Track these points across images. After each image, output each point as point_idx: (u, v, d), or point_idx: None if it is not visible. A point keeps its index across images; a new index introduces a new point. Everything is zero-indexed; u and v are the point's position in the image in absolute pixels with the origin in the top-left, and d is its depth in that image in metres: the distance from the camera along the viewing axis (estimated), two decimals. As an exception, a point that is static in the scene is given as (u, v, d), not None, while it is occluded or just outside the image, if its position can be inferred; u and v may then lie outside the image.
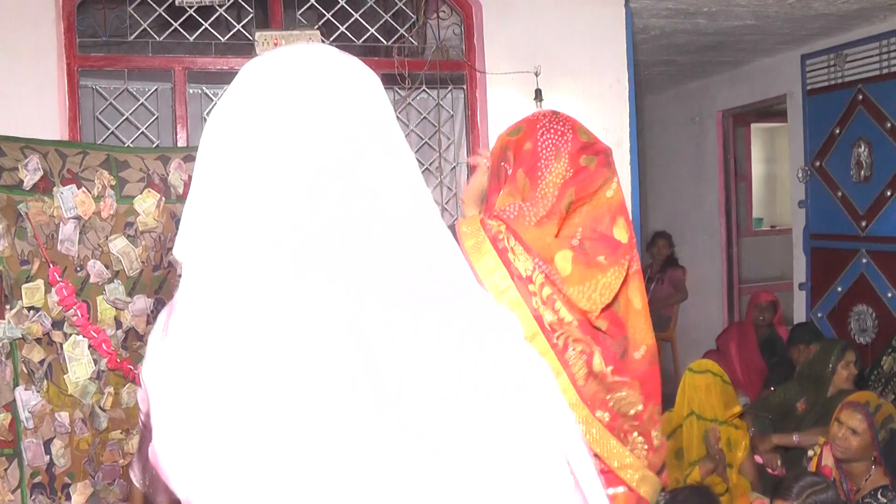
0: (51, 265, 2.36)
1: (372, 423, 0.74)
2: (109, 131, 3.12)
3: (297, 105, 0.77)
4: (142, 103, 3.18)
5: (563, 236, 1.46)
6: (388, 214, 0.76)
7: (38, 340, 2.36)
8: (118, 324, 2.47)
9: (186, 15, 3.10)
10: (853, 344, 4.31)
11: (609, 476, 1.44)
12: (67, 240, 2.39)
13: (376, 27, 3.38)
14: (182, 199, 2.54)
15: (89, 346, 2.42)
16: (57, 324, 2.38)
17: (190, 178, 2.57)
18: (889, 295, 4.34)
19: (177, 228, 2.54)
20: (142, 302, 2.49)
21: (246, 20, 3.23)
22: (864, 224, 4.48)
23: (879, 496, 2.75)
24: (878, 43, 4.30)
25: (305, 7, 3.27)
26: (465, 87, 3.50)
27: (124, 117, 3.13)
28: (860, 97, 4.43)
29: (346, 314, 0.73)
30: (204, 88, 3.45)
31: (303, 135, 0.76)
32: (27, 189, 2.34)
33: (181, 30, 3.12)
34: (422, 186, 0.80)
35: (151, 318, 2.51)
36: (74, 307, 2.38)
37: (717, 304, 5.86)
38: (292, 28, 3.15)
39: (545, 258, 1.41)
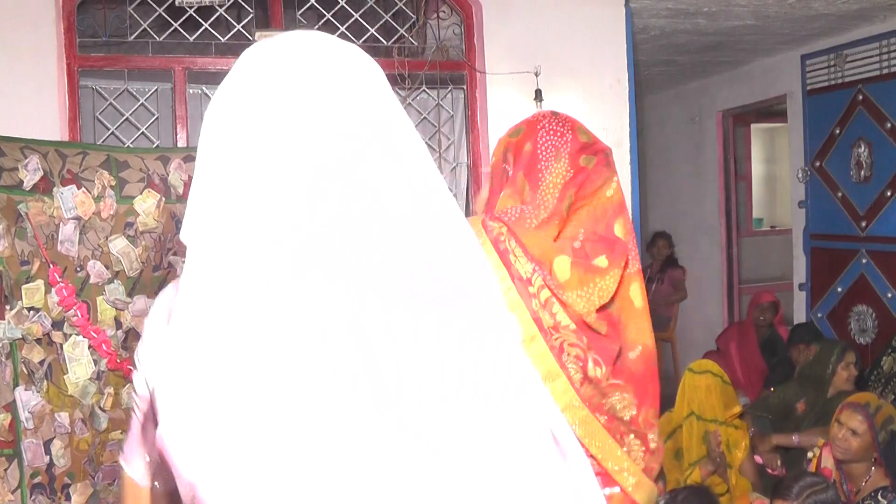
0: (51, 265, 2.36)
1: (372, 423, 0.74)
2: (109, 131, 3.12)
3: (298, 104, 0.77)
4: (142, 103, 3.18)
5: (566, 237, 1.46)
6: (388, 214, 0.75)
7: (38, 341, 2.36)
8: (118, 324, 2.47)
9: (186, 15, 3.10)
10: (853, 344, 4.31)
11: (605, 477, 1.45)
12: (67, 240, 2.39)
13: (376, 27, 3.38)
14: (182, 199, 2.54)
15: (89, 347, 2.42)
16: (57, 324, 2.38)
17: (190, 178, 2.57)
18: (889, 295, 4.34)
19: (177, 229, 2.55)
20: (142, 302, 2.49)
21: (246, 20, 3.23)
22: (864, 224, 4.47)
23: (879, 497, 2.75)
24: (878, 43, 4.30)
25: (305, 7, 3.27)
26: (465, 87, 3.50)
27: (124, 117, 3.13)
28: (860, 97, 4.43)
29: (346, 314, 0.72)
30: (204, 88, 3.46)
31: (303, 134, 0.76)
32: (27, 189, 2.34)
33: (181, 30, 3.12)
34: (426, 182, 0.79)
35: (151, 318, 2.51)
36: (74, 307, 2.38)
37: (716, 305, 5.86)
38: (292, 28, 3.15)
39: (543, 263, 1.42)
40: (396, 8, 3.41)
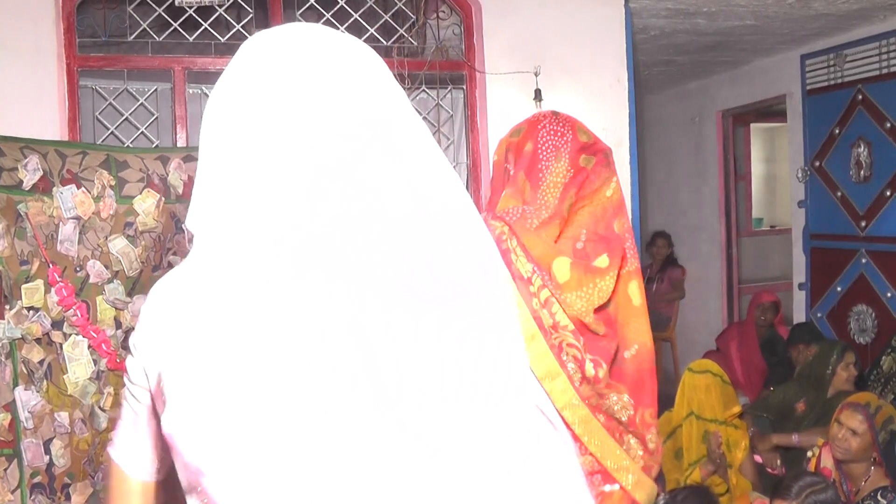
0: (50, 265, 2.35)
1: (372, 422, 0.74)
2: (109, 131, 3.12)
3: (299, 104, 0.77)
4: (141, 103, 3.18)
5: (568, 237, 1.47)
6: (388, 214, 0.75)
7: (38, 340, 2.36)
8: (118, 324, 2.47)
9: (186, 15, 3.10)
10: (853, 344, 4.32)
11: (604, 475, 1.45)
12: (67, 240, 2.39)
13: (376, 27, 3.38)
14: (182, 199, 2.54)
15: (89, 346, 2.42)
16: (57, 324, 2.38)
17: (190, 178, 2.57)
18: (889, 295, 4.34)
19: (177, 228, 2.55)
20: (141, 302, 2.49)
21: (246, 20, 3.22)
22: (863, 224, 4.47)
23: (879, 497, 2.74)
24: (878, 43, 4.30)
25: (305, 7, 3.27)
26: (464, 87, 3.50)
27: (124, 117, 3.13)
28: (860, 97, 4.43)
29: (346, 314, 0.72)
30: (204, 88, 3.45)
31: (303, 135, 0.76)
32: (27, 189, 2.34)
33: (181, 30, 3.12)
34: (428, 181, 0.79)
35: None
36: (74, 307, 2.38)
37: (716, 304, 5.86)
38: (292, 28, 3.15)
39: (542, 264, 1.43)
40: (396, 8, 3.41)
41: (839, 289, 4.68)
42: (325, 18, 3.29)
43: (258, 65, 0.79)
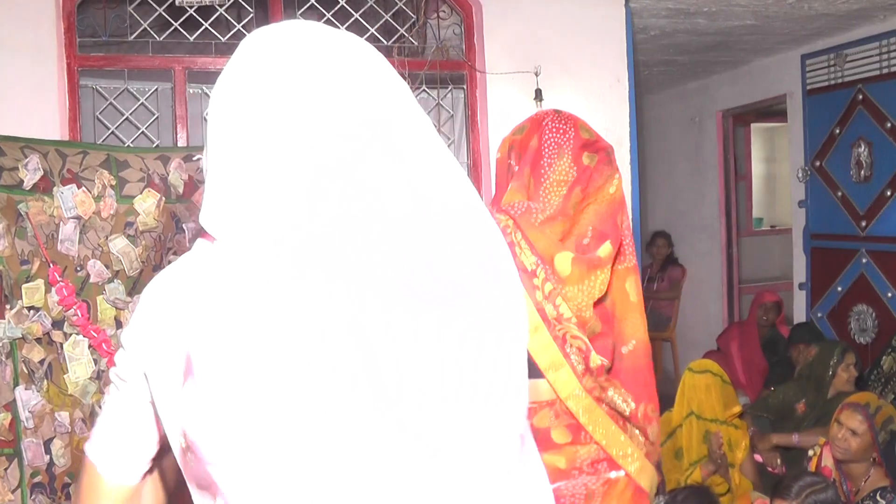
0: (51, 265, 2.36)
1: (372, 422, 0.74)
2: (109, 131, 3.12)
3: (300, 104, 0.77)
4: (142, 103, 3.18)
5: (574, 235, 1.49)
6: (388, 214, 0.75)
7: (38, 340, 2.36)
8: (118, 324, 2.47)
9: (186, 15, 3.10)
10: (853, 344, 4.32)
11: (610, 462, 1.48)
12: (67, 240, 2.39)
13: (376, 27, 3.38)
14: (182, 198, 2.54)
15: (89, 346, 2.42)
16: (57, 324, 2.38)
17: (190, 177, 2.57)
18: (889, 295, 4.34)
19: (177, 228, 2.55)
20: (142, 302, 2.49)
21: (246, 20, 3.23)
22: (864, 224, 4.47)
23: (879, 497, 2.74)
24: (878, 43, 4.30)
25: (305, 7, 3.27)
26: (465, 86, 3.50)
27: (124, 117, 3.13)
28: (860, 97, 4.43)
29: (346, 314, 0.72)
30: (204, 88, 3.45)
31: (304, 135, 0.76)
32: (27, 189, 2.34)
33: (181, 30, 3.12)
34: (429, 180, 0.79)
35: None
36: (74, 307, 2.38)
37: (717, 304, 5.85)
38: (292, 28, 3.15)
39: (545, 258, 1.44)
40: (396, 8, 3.41)
41: (839, 289, 4.68)
42: (325, 18, 3.29)
43: (259, 64, 0.79)
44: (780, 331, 4.92)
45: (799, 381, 3.75)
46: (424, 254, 0.76)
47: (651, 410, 1.55)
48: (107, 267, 2.44)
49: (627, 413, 1.49)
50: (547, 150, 1.54)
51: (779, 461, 3.41)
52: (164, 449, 0.89)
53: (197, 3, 2.97)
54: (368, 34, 3.36)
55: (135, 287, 2.49)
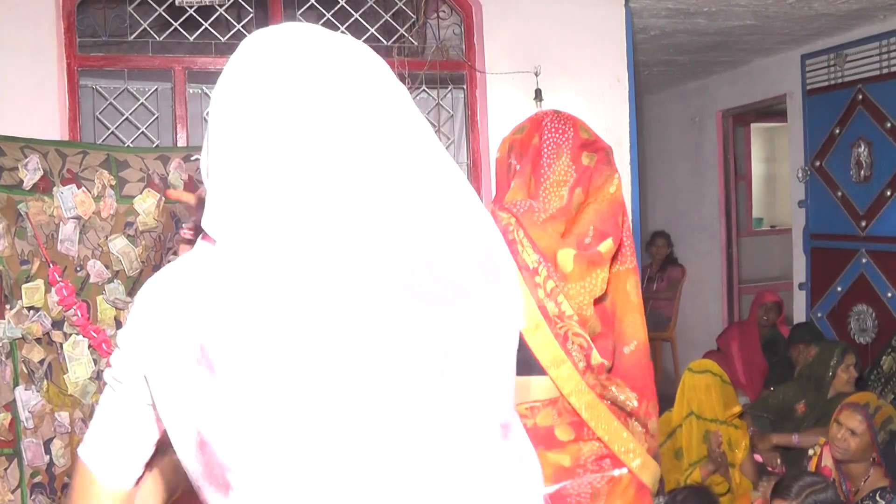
0: (51, 265, 2.36)
1: (372, 422, 0.74)
2: (109, 131, 3.12)
3: (300, 104, 0.77)
4: (142, 103, 3.18)
5: (575, 234, 1.50)
6: (388, 214, 0.75)
7: (38, 340, 2.36)
8: (118, 324, 2.47)
9: (186, 15, 3.10)
10: (853, 344, 4.31)
11: (613, 459, 1.50)
12: (67, 240, 2.39)
13: (376, 27, 3.39)
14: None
15: (89, 346, 2.42)
16: (57, 324, 2.38)
17: (190, 178, 2.57)
18: (889, 295, 4.34)
19: (177, 228, 2.55)
20: (142, 302, 2.49)
21: (246, 20, 3.23)
22: (863, 224, 4.47)
23: (878, 498, 2.74)
24: (878, 43, 4.30)
25: (305, 7, 3.27)
26: (465, 86, 3.50)
27: (124, 117, 3.13)
28: (860, 97, 4.43)
29: (346, 314, 0.72)
30: (204, 88, 3.45)
31: (304, 135, 0.76)
32: (27, 189, 2.34)
33: (181, 30, 3.12)
34: (429, 180, 0.79)
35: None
36: (74, 307, 2.38)
37: (717, 304, 5.86)
38: (292, 28, 3.15)
39: (547, 255, 1.45)
40: (396, 8, 3.41)
41: (839, 289, 4.68)
42: (325, 18, 3.29)
43: (260, 66, 0.79)
44: (781, 331, 4.92)
45: (799, 382, 3.75)
46: (424, 254, 0.76)
47: (651, 407, 1.58)
48: (107, 267, 2.44)
49: (629, 410, 1.51)
50: (546, 150, 1.56)
51: (779, 461, 3.41)
52: (159, 452, 0.88)
53: (197, 3, 2.97)
54: (368, 34, 3.36)
55: (135, 287, 2.49)
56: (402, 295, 0.74)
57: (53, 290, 2.36)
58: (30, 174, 2.34)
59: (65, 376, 2.39)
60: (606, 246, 1.49)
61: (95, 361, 2.43)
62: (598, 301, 1.50)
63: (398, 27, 3.43)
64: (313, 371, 0.73)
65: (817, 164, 4.78)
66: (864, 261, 4.49)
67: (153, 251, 2.51)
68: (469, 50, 3.47)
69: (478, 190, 3.42)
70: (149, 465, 0.88)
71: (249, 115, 0.77)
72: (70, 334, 2.40)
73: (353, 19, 3.31)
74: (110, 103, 3.14)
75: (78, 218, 2.39)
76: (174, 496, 0.92)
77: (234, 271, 0.76)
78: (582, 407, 1.46)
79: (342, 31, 3.28)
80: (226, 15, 3.17)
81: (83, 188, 2.40)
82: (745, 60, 5.21)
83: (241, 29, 3.20)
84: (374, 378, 0.73)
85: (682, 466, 3.20)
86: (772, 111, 5.68)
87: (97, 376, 2.44)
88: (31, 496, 2.35)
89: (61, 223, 2.37)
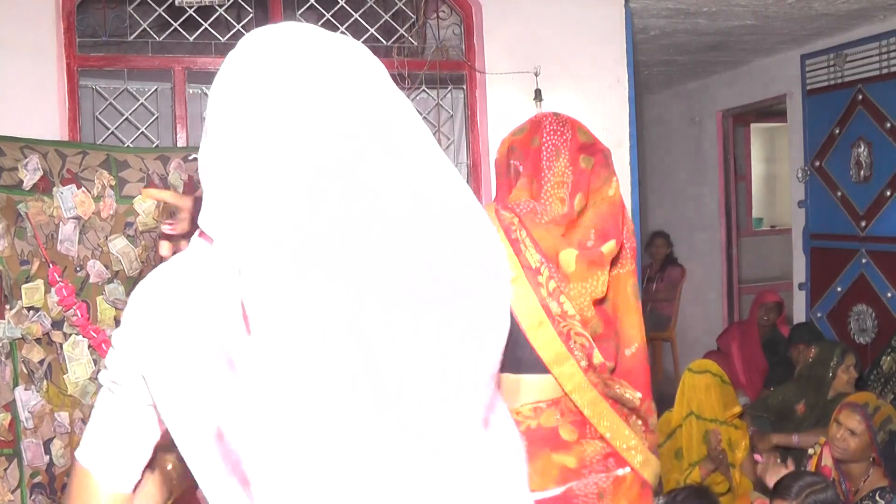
0: (50, 265, 2.36)
1: (372, 422, 0.74)
2: (109, 131, 3.12)
3: (300, 104, 0.77)
4: (142, 103, 3.18)
5: (577, 238, 1.51)
6: (388, 214, 0.75)
7: (38, 340, 2.36)
8: (118, 324, 2.47)
9: (186, 15, 3.10)
10: (853, 344, 4.31)
11: (616, 458, 1.51)
12: (67, 240, 2.39)
13: (376, 27, 3.38)
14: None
15: (89, 346, 2.42)
16: (57, 324, 2.38)
17: (190, 178, 2.57)
18: (889, 295, 4.34)
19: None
20: (142, 302, 2.49)
21: (246, 20, 3.23)
22: (863, 224, 4.47)
23: (878, 497, 2.74)
24: (878, 43, 4.30)
25: (305, 7, 3.27)
26: (464, 87, 3.50)
27: (124, 117, 3.13)
28: (860, 97, 4.43)
29: (346, 314, 0.72)
30: (204, 88, 3.45)
31: (304, 135, 0.76)
32: (27, 189, 2.34)
33: (181, 30, 3.12)
34: (428, 181, 0.79)
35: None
36: (74, 307, 2.38)
37: (717, 304, 5.86)
38: (292, 28, 3.15)
39: (550, 255, 1.46)
40: (396, 8, 3.41)
41: (839, 289, 4.68)
42: (325, 18, 3.29)
43: (259, 65, 0.79)
44: (781, 331, 4.92)
45: (798, 382, 3.75)
46: (424, 254, 0.76)
47: (651, 405, 1.60)
48: (106, 267, 2.44)
49: (633, 406, 1.52)
50: (546, 151, 1.57)
51: (779, 461, 3.40)
52: (156, 457, 0.88)
53: (197, 3, 2.97)
54: (368, 34, 3.36)
55: (134, 287, 2.49)
56: (402, 295, 0.74)
57: (53, 290, 2.36)
58: (30, 174, 2.34)
59: (65, 376, 2.39)
60: (609, 247, 1.50)
61: (95, 361, 2.43)
62: (598, 303, 1.51)
63: (398, 27, 3.43)
64: (313, 371, 0.73)
65: (817, 164, 4.78)
66: (863, 261, 4.49)
67: (153, 251, 2.51)
68: (469, 50, 3.47)
69: (478, 190, 3.42)
70: (147, 470, 0.88)
71: (249, 114, 0.77)
72: (70, 334, 2.40)
73: (352, 19, 3.31)
74: (110, 103, 3.14)
75: (78, 218, 2.39)
76: (170, 501, 0.92)
77: (228, 270, 0.76)
78: (584, 404, 1.47)
79: (342, 31, 3.27)
80: (226, 15, 3.17)
81: (83, 188, 2.40)
82: (745, 60, 5.21)
83: (241, 29, 3.20)
84: (374, 378, 0.73)
85: (682, 466, 3.20)
86: (772, 111, 5.68)
87: (97, 376, 2.44)
88: (30, 496, 2.35)
89: (61, 223, 2.37)
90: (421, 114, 3.48)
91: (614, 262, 1.54)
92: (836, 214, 4.66)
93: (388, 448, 0.74)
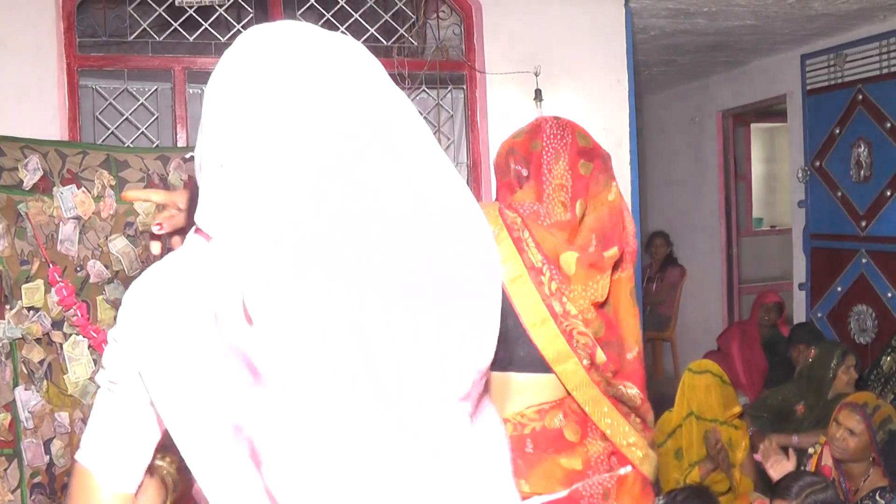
0: (51, 265, 2.36)
1: (372, 422, 0.74)
2: (109, 131, 3.12)
3: (299, 103, 0.77)
4: (142, 103, 3.18)
5: (579, 244, 1.52)
6: (388, 214, 0.75)
7: (38, 340, 2.36)
8: (118, 324, 2.47)
9: (186, 15, 3.10)
10: (853, 344, 4.31)
11: (619, 456, 1.53)
12: (67, 240, 2.39)
13: (376, 27, 3.38)
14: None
15: (89, 346, 2.42)
16: (57, 324, 2.38)
17: (190, 178, 2.57)
18: (889, 295, 4.34)
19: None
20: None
21: (246, 20, 3.23)
22: (863, 224, 4.47)
23: (878, 497, 2.74)
24: (878, 43, 4.30)
25: (305, 7, 3.27)
26: (465, 87, 3.50)
27: (124, 117, 3.13)
28: (860, 97, 4.43)
29: (346, 314, 0.72)
30: (204, 88, 3.45)
31: (304, 134, 0.76)
32: (27, 189, 2.34)
33: (181, 30, 3.12)
34: (428, 181, 0.79)
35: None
36: (74, 307, 2.38)
37: (717, 304, 5.86)
38: (292, 28, 3.15)
39: (551, 258, 1.48)
40: (396, 8, 3.41)
41: (839, 289, 4.68)
42: (325, 18, 3.29)
43: (258, 63, 0.79)
44: (782, 331, 4.92)
45: (798, 383, 3.75)
46: (424, 254, 0.76)
47: (648, 404, 1.62)
48: (107, 267, 2.44)
49: (636, 403, 1.53)
50: (546, 156, 1.58)
51: (780, 452, 3.40)
52: (155, 459, 0.88)
53: (197, 3, 2.97)
54: (368, 34, 3.36)
55: (135, 287, 2.49)
56: (402, 295, 0.74)
57: (53, 290, 2.36)
58: (30, 174, 2.34)
59: (65, 376, 2.39)
60: (611, 253, 1.50)
61: (95, 361, 2.43)
62: (599, 307, 1.51)
63: (398, 27, 3.43)
64: (313, 371, 0.73)
65: (817, 164, 4.78)
66: (864, 261, 4.49)
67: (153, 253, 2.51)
68: (469, 50, 3.47)
69: (478, 190, 3.42)
70: (146, 475, 0.87)
71: (249, 112, 0.77)
72: (70, 334, 2.40)
73: (353, 19, 3.31)
74: (110, 103, 3.14)
75: (78, 218, 2.39)
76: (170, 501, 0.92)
77: (227, 270, 0.76)
78: (586, 401, 1.48)
79: (342, 31, 3.27)
80: (226, 15, 3.17)
81: (83, 188, 2.40)
82: (745, 60, 5.21)
83: (241, 29, 3.20)
84: (374, 378, 0.73)
85: (682, 466, 3.20)
86: (772, 111, 5.67)
87: (96, 377, 2.44)
88: (30, 496, 2.35)
89: (61, 223, 2.37)
90: (421, 114, 3.48)
91: (615, 266, 1.55)
92: (836, 214, 4.66)
93: (388, 448, 0.74)
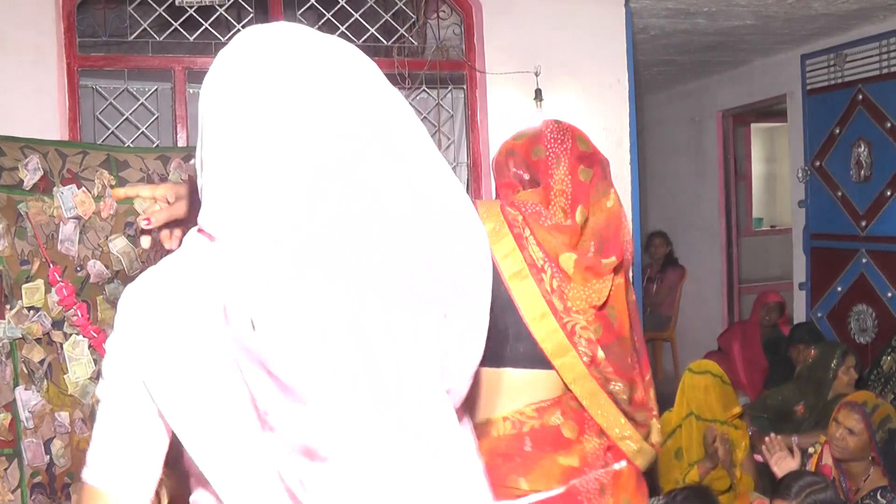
0: (51, 265, 2.36)
1: (372, 422, 0.74)
2: (109, 131, 3.12)
3: (299, 104, 0.77)
4: (142, 103, 3.18)
5: (579, 249, 1.52)
6: (388, 214, 0.75)
7: (38, 340, 2.36)
8: (118, 324, 2.47)
9: (186, 15, 3.10)
10: (853, 344, 4.31)
11: (615, 451, 1.53)
12: (67, 240, 2.39)
13: (376, 27, 3.38)
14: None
15: (89, 346, 2.42)
16: (57, 324, 2.38)
17: (190, 178, 2.57)
18: (889, 295, 4.34)
19: (177, 228, 2.55)
20: (142, 302, 2.49)
21: (246, 20, 3.23)
22: (863, 224, 4.47)
23: (879, 497, 2.74)
24: (878, 43, 4.30)
25: (305, 7, 3.27)
26: (465, 87, 3.50)
27: (124, 117, 3.13)
28: (860, 97, 4.43)
29: (346, 314, 0.72)
30: (203, 88, 3.45)
31: (304, 135, 0.76)
32: (27, 189, 2.34)
33: (181, 30, 3.12)
34: (427, 181, 0.79)
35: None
36: (74, 307, 2.38)
37: (717, 304, 5.85)
38: (292, 29, 3.15)
39: (551, 256, 1.49)
40: (396, 8, 3.41)
41: (839, 289, 4.68)
42: (325, 19, 3.29)
43: (256, 64, 0.79)
44: (783, 331, 4.92)
45: (798, 383, 3.75)
46: (424, 254, 0.76)
47: (647, 399, 1.63)
48: (107, 267, 2.44)
49: (625, 398, 1.53)
50: (549, 160, 1.59)
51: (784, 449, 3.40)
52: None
53: (197, 3, 2.97)
54: (368, 34, 3.36)
55: (135, 287, 2.49)
56: (402, 295, 0.74)
57: (53, 290, 2.36)
58: (30, 174, 2.34)
59: (65, 376, 2.39)
60: (608, 261, 1.51)
61: (95, 361, 2.43)
62: (598, 309, 1.52)
63: (398, 27, 3.43)
64: (313, 371, 0.73)
65: (817, 164, 4.78)
66: (864, 261, 4.49)
67: (153, 251, 2.51)
68: (469, 50, 3.47)
69: (478, 190, 3.42)
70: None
71: (248, 113, 0.77)
72: (70, 334, 2.40)
73: (353, 19, 3.31)
74: (110, 103, 3.14)
75: (78, 218, 2.39)
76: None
77: (227, 269, 0.76)
78: (584, 395, 1.48)
79: (342, 31, 3.26)
80: (226, 15, 3.17)
81: (83, 188, 2.40)
82: (745, 60, 5.21)
83: (241, 29, 3.20)
84: (374, 378, 0.73)
85: (682, 466, 3.20)
86: (772, 111, 5.68)
87: (97, 376, 2.44)
88: (31, 496, 2.35)
89: (61, 223, 2.37)
90: (421, 114, 3.50)
91: (615, 271, 1.55)
92: (836, 214, 4.66)
93: (389, 447, 0.74)
